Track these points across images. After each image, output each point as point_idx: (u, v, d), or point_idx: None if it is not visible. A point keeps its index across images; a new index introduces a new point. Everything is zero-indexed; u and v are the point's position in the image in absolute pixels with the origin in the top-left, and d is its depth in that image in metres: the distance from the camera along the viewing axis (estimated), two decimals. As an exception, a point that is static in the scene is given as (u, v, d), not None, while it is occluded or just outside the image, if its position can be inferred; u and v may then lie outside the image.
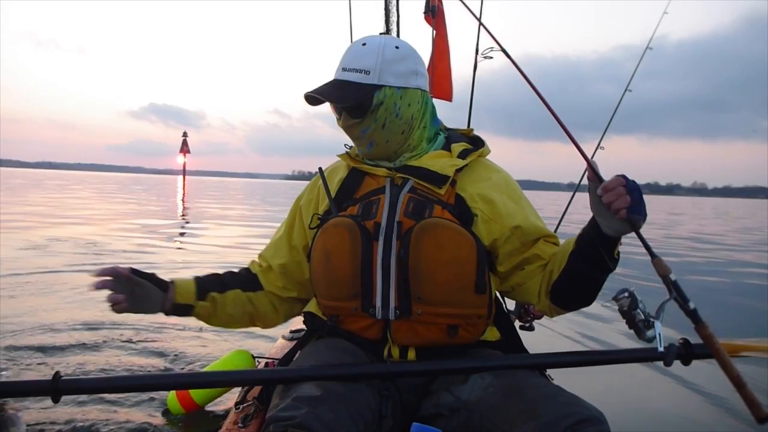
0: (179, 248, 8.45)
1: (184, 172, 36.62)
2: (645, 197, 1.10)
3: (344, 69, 1.29)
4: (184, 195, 29.54)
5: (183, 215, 13.50)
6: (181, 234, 10.57)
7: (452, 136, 1.43)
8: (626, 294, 1.14)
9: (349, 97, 1.27)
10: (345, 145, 1.45)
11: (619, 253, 1.19)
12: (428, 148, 1.37)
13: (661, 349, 1.12)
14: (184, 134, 32.42)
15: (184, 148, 32.13)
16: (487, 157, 1.42)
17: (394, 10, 3.00)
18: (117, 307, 1.23)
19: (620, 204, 1.06)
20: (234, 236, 10.13)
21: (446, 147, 1.38)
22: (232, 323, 1.44)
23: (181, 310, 1.35)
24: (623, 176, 1.09)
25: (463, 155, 1.34)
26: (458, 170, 1.32)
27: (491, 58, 2.16)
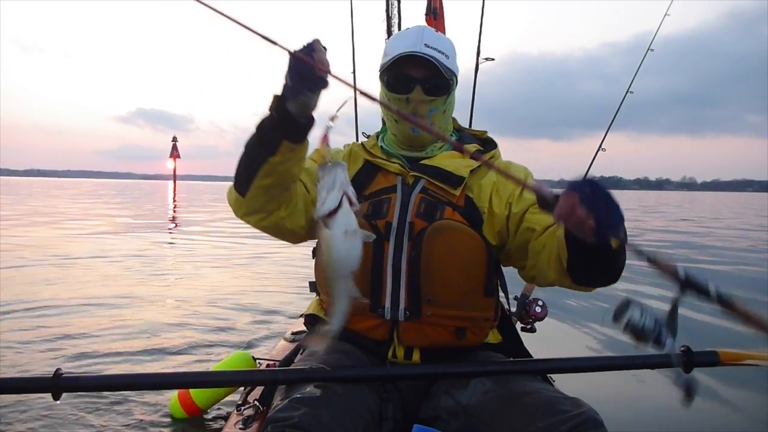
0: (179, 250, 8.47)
1: (174, 177, 36.60)
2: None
3: (427, 46, 1.29)
4: (174, 201, 29.30)
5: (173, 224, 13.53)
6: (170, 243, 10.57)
7: (464, 136, 1.43)
8: (630, 306, 0.95)
9: (446, 69, 1.30)
10: (363, 133, 1.45)
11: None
12: (448, 145, 1.38)
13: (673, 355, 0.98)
14: (174, 139, 32.57)
15: (174, 153, 32.16)
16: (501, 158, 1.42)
17: (395, 12, 3.01)
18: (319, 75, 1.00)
19: (585, 231, 0.91)
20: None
21: (458, 147, 1.38)
22: (282, 188, 1.18)
23: (303, 127, 1.09)
24: (575, 187, 0.91)
25: (475, 156, 1.35)
26: (471, 171, 1.32)
27: (493, 59, 2.17)
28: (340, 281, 0.99)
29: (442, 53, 1.29)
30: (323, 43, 1.01)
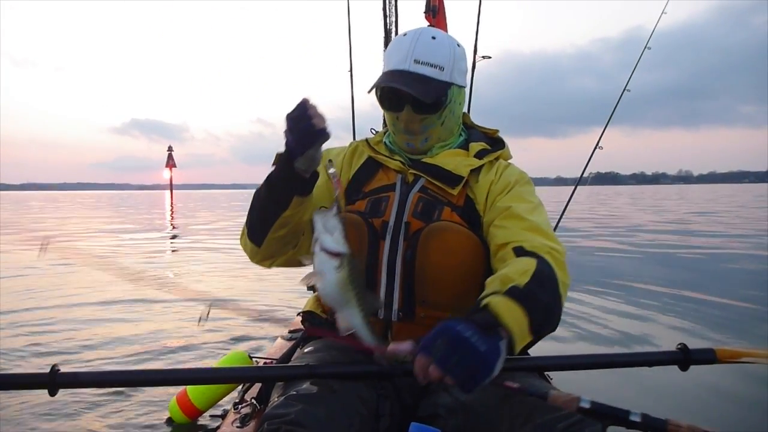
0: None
1: (171, 187, 36.60)
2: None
3: (417, 62, 1.24)
4: (172, 209, 29.28)
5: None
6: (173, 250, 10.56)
7: (473, 134, 1.41)
8: None
9: (430, 92, 1.24)
10: (372, 129, 1.45)
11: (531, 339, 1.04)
12: (453, 143, 1.37)
13: None
14: (170, 148, 32.53)
15: (170, 162, 32.16)
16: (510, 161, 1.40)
17: (392, 10, 3.00)
18: (319, 128, 1.06)
19: (449, 384, 0.91)
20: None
21: (464, 146, 1.37)
22: (294, 235, 1.24)
23: (310, 181, 1.15)
24: (425, 348, 0.92)
25: (480, 155, 1.33)
26: (473, 171, 1.31)
27: (489, 57, 2.17)
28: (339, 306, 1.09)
29: (435, 66, 1.25)
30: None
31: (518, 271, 1.06)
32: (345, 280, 1.05)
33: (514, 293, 1.01)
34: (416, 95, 1.22)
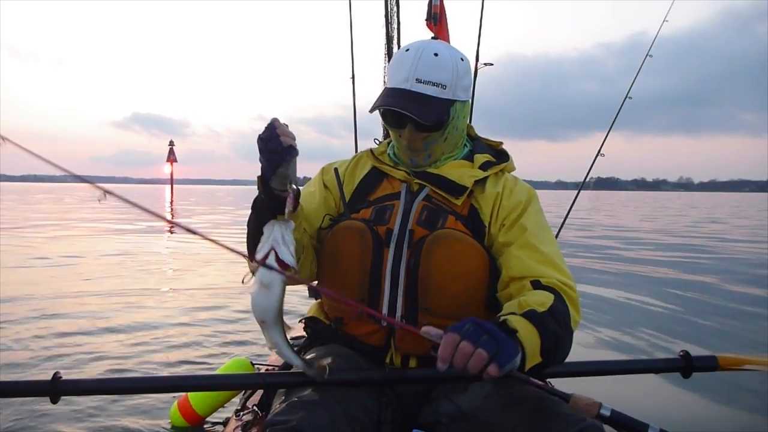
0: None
1: (171, 182, 36.50)
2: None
3: (419, 81, 1.23)
4: (172, 204, 29.18)
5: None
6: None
7: (477, 146, 1.41)
8: None
9: (431, 113, 1.23)
10: (375, 140, 1.45)
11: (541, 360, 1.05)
12: (458, 154, 1.37)
13: None
14: (171, 143, 32.38)
15: (171, 157, 32.03)
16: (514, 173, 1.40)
17: (394, 17, 3.02)
18: (286, 145, 1.07)
19: (477, 366, 0.91)
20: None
21: (469, 157, 1.38)
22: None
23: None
24: (455, 328, 0.94)
25: (484, 167, 1.34)
26: (477, 182, 1.31)
27: (491, 65, 2.18)
28: (259, 324, 1.08)
29: (438, 85, 1.23)
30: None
31: (536, 301, 1.11)
32: (283, 295, 1.05)
33: (530, 316, 1.06)
34: (416, 118, 1.22)
